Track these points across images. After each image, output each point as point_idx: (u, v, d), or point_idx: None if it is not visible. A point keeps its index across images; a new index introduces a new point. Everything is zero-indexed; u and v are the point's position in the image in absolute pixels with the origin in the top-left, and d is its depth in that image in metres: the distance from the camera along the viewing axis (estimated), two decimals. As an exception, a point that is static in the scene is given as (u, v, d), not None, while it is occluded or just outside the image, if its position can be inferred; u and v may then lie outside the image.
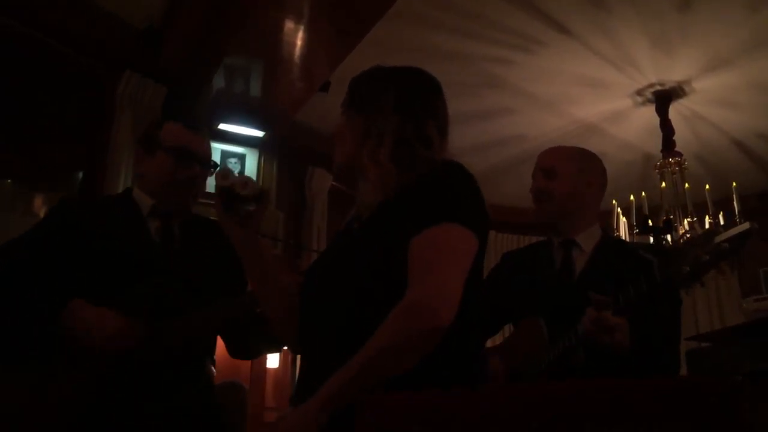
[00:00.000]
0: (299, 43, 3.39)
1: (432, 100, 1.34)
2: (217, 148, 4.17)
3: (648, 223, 3.81)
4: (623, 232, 4.10)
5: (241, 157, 4.24)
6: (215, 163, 1.99)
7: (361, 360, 1.08)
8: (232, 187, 1.33)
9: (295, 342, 1.33)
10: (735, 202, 3.76)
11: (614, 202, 4.14)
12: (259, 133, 4.18)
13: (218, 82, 3.77)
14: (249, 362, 4.08)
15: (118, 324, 1.62)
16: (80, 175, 3.51)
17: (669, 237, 3.83)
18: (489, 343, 2.45)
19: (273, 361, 4.12)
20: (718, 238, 1.50)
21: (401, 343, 1.08)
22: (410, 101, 1.31)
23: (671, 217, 3.93)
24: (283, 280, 1.41)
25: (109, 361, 1.62)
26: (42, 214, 3.11)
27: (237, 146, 4.22)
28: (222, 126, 4.09)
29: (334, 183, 4.64)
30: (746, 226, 1.49)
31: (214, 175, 1.40)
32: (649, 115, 4.35)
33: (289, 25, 3.24)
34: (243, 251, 1.37)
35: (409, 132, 1.27)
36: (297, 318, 1.33)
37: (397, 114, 1.28)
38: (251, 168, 4.25)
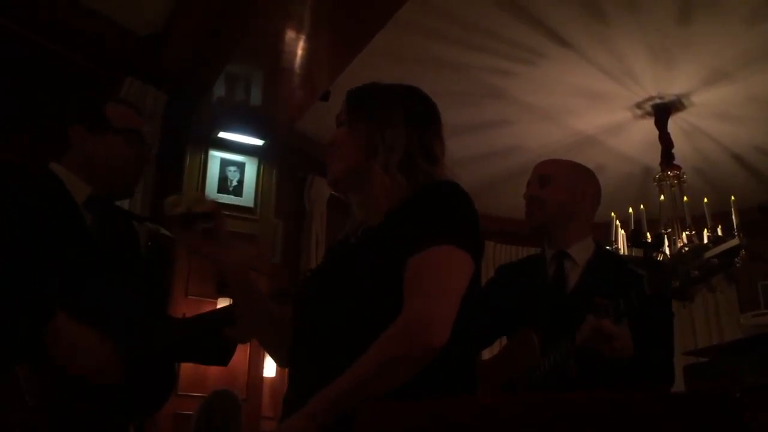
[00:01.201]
0: (300, 51, 3.40)
1: (436, 119, 1.37)
2: (217, 156, 4.17)
3: (639, 238, 3.81)
4: (621, 244, 4.10)
5: (241, 166, 4.24)
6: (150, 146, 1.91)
7: (353, 376, 1.08)
8: (188, 210, 1.31)
9: (283, 355, 1.33)
10: (734, 216, 3.76)
11: (613, 214, 4.14)
12: (259, 142, 4.18)
13: (219, 89, 3.77)
14: (246, 371, 4.07)
15: (105, 355, 1.52)
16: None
17: (667, 250, 3.83)
18: (487, 354, 2.45)
19: (270, 370, 4.11)
20: (708, 254, 1.50)
21: (393, 361, 1.09)
22: (419, 118, 1.33)
23: (669, 230, 3.93)
24: (267, 302, 1.40)
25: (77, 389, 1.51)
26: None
27: (237, 154, 4.22)
28: (222, 134, 4.09)
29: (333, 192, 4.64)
30: (735, 242, 1.50)
31: (165, 206, 1.34)
32: (648, 127, 4.36)
33: (290, 33, 3.25)
34: (226, 272, 1.35)
35: (415, 147, 1.29)
36: (283, 334, 1.33)
37: (407, 128, 1.30)
38: (251, 176, 4.25)
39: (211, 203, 1.34)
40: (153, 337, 1.65)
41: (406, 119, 1.31)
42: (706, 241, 3.83)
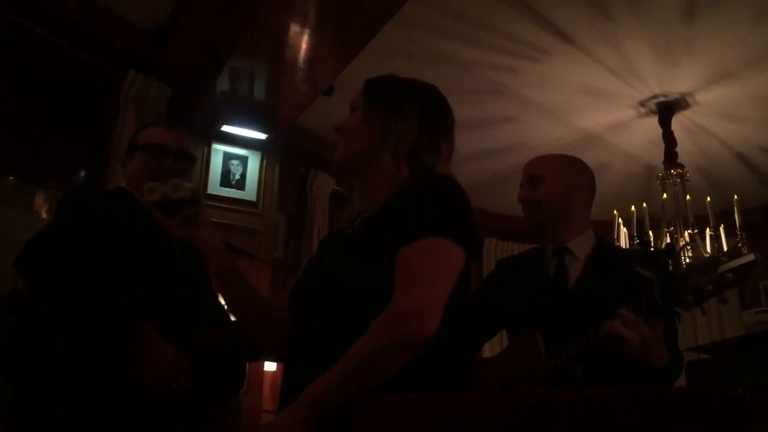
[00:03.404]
0: (304, 46, 3.39)
1: (449, 119, 1.39)
2: (220, 150, 4.18)
3: (648, 244, 3.79)
4: (624, 242, 4.10)
5: (244, 160, 4.24)
6: (194, 157, 2.04)
7: (343, 367, 1.09)
8: (165, 198, 1.32)
9: (279, 349, 1.34)
10: (736, 215, 3.76)
11: (615, 212, 4.14)
12: (262, 136, 4.18)
13: (222, 83, 3.78)
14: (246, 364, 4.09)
15: (180, 367, 1.64)
16: (83, 173, 3.52)
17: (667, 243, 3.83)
18: (488, 352, 2.44)
19: (270, 364, 4.12)
20: (722, 268, 1.49)
21: (383, 351, 1.09)
22: (433, 115, 1.36)
23: (672, 228, 3.92)
24: (253, 287, 1.42)
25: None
26: (44, 212, 3.11)
27: (240, 148, 4.23)
28: (225, 128, 4.09)
29: (336, 187, 4.64)
30: (751, 257, 1.48)
31: (143, 193, 1.38)
32: (651, 126, 4.35)
33: (294, 28, 3.25)
34: (209, 256, 1.37)
35: (424, 142, 1.32)
36: (277, 325, 1.33)
37: (419, 122, 1.33)
38: (253, 170, 4.26)
39: (189, 189, 1.34)
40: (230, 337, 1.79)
41: (421, 114, 1.33)
42: (707, 240, 3.83)
